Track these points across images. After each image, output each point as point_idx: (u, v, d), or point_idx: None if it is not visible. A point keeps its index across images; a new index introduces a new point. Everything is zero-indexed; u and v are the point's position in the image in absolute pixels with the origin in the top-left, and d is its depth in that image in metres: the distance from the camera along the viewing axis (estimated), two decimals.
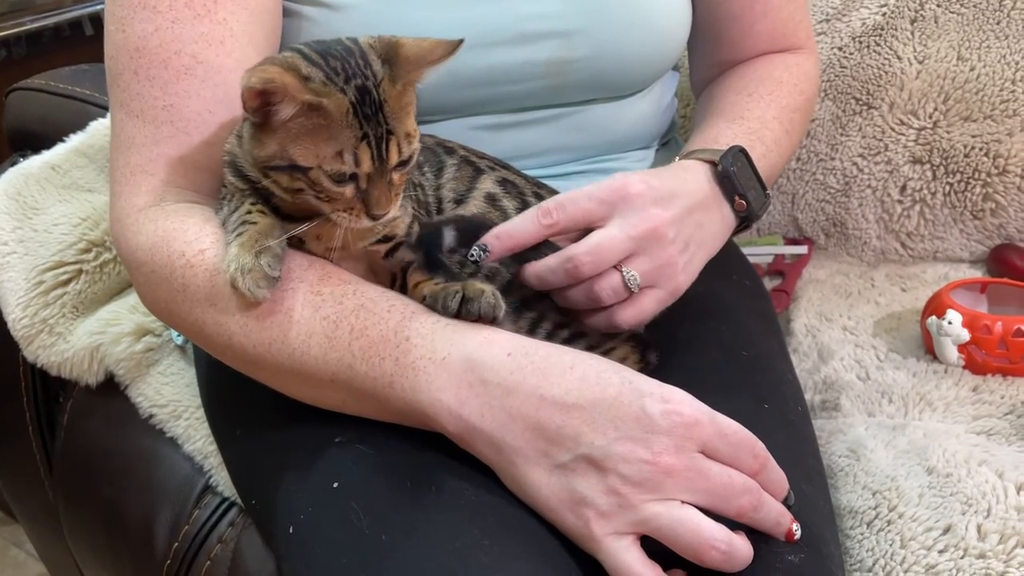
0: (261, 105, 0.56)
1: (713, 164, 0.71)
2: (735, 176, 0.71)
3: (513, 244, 0.64)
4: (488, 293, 0.60)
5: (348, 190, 0.57)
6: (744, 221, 0.73)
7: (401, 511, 0.58)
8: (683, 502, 0.55)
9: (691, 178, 0.70)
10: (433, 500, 0.58)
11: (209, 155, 0.66)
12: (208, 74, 0.66)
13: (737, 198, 0.71)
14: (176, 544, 0.85)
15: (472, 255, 0.62)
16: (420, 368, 0.58)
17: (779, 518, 0.58)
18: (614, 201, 0.65)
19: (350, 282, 0.62)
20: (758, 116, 0.79)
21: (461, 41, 0.59)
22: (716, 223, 0.71)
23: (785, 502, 0.59)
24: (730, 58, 0.87)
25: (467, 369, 0.58)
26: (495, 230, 0.64)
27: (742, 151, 0.73)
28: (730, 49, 0.87)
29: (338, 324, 0.60)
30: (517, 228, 0.64)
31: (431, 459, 0.60)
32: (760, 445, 0.57)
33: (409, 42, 0.59)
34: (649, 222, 0.65)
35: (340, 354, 0.60)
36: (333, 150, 0.56)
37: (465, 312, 0.60)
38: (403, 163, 0.58)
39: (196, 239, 0.63)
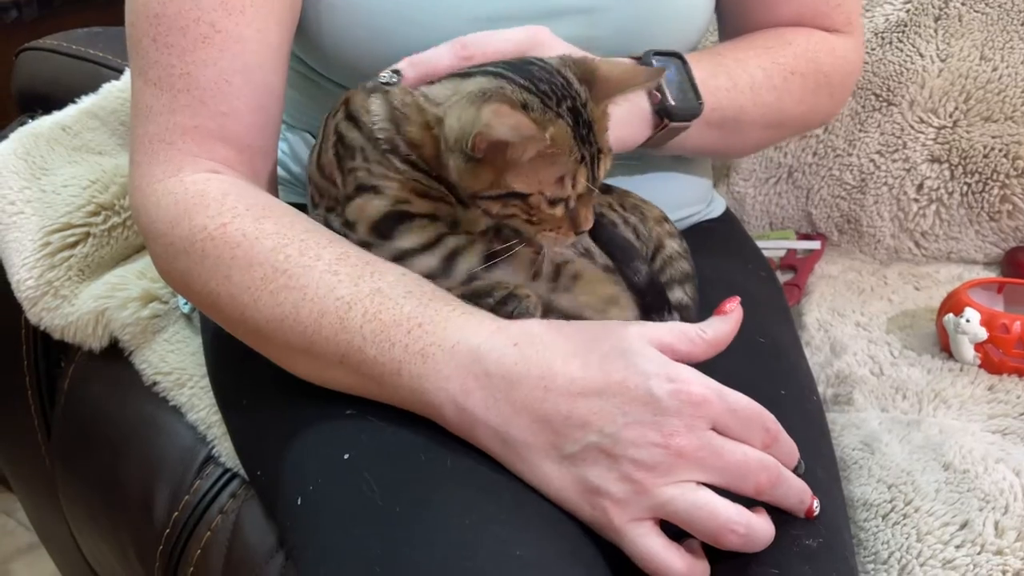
0: (491, 146, 0.55)
1: (637, 58, 0.70)
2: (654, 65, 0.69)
3: (427, 71, 0.61)
4: (533, 300, 0.59)
5: (559, 210, 0.57)
6: (664, 117, 0.70)
7: (415, 484, 0.57)
8: (699, 483, 0.54)
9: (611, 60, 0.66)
10: (448, 474, 0.57)
11: (224, 125, 0.65)
12: (226, 43, 0.64)
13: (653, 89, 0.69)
14: (176, 514, 0.84)
15: (383, 78, 0.58)
16: (429, 355, 0.57)
17: (801, 495, 0.57)
18: (527, 48, 0.64)
19: (369, 263, 0.61)
20: (739, 57, 0.76)
21: (663, 70, 0.59)
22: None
23: (795, 471, 0.58)
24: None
25: (473, 360, 0.56)
26: (410, 57, 0.61)
27: (679, 57, 0.71)
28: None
29: (352, 306, 0.59)
30: (432, 57, 0.61)
31: (445, 433, 0.59)
32: (771, 418, 0.56)
33: (605, 64, 0.59)
34: None
35: (351, 336, 0.59)
36: (555, 175, 0.56)
37: (500, 306, 0.59)
38: None
39: (218, 213, 0.62)
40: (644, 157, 0.81)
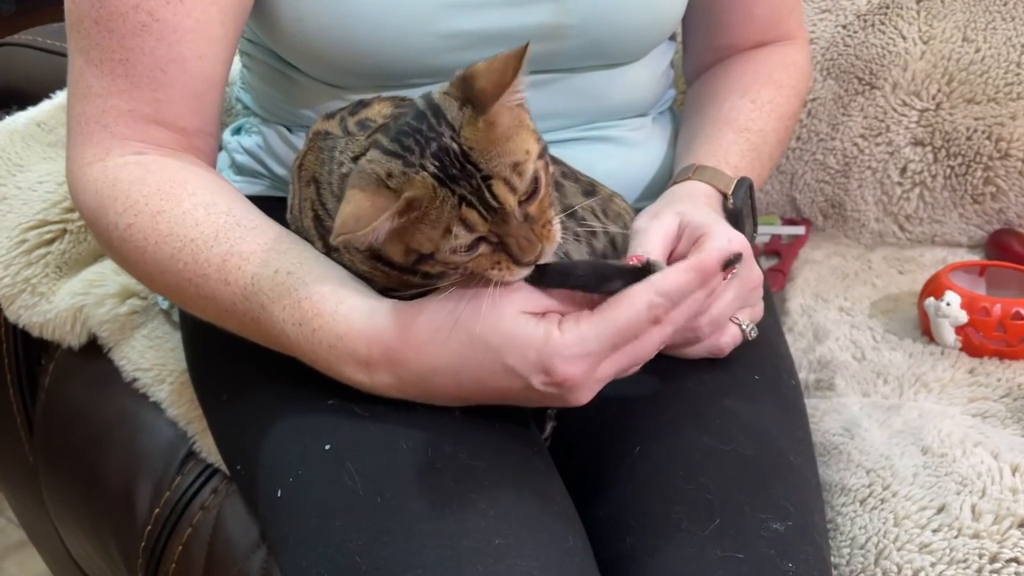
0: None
1: (724, 196, 0.73)
2: (741, 215, 0.72)
3: None
4: None
5: (483, 249, 0.54)
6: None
7: (397, 474, 0.57)
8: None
9: (712, 212, 0.70)
10: (429, 464, 0.58)
11: (158, 110, 0.67)
12: (163, 33, 0.65)
13: None
14: (158, 510, 0.84)
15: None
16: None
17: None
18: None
19: (246, 259, 0.62)
20: (760, 128, 0.80)
21: (526, 46, 0.56)
22: None
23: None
24: (728, 43, 0.86)
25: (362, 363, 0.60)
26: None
27: (750, 187, 0.74)
28: (728, 34, 0.86)
29: (259, 322, 0.63)
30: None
31: (427, 424, 0.60)
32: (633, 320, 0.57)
33: (481, 71, 0.55)
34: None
35: (274, 329, 0.62)
36: (440, 231, 0.53)
37: None
38: (529, 195, 0.54)
39: (124, 210, 0.65)
40: (631, 143, 0.81)
